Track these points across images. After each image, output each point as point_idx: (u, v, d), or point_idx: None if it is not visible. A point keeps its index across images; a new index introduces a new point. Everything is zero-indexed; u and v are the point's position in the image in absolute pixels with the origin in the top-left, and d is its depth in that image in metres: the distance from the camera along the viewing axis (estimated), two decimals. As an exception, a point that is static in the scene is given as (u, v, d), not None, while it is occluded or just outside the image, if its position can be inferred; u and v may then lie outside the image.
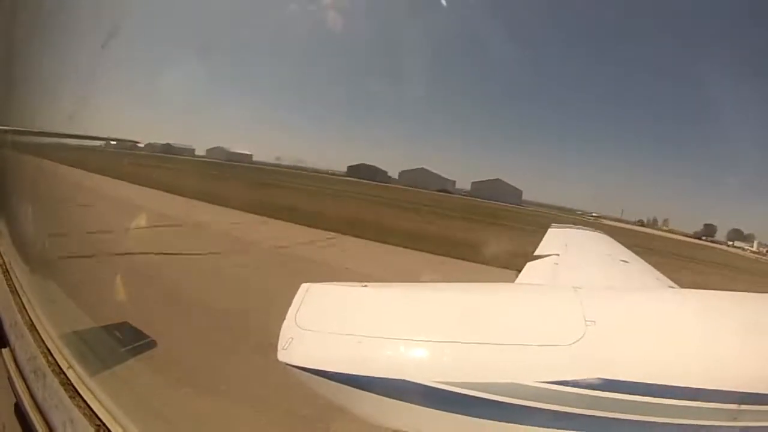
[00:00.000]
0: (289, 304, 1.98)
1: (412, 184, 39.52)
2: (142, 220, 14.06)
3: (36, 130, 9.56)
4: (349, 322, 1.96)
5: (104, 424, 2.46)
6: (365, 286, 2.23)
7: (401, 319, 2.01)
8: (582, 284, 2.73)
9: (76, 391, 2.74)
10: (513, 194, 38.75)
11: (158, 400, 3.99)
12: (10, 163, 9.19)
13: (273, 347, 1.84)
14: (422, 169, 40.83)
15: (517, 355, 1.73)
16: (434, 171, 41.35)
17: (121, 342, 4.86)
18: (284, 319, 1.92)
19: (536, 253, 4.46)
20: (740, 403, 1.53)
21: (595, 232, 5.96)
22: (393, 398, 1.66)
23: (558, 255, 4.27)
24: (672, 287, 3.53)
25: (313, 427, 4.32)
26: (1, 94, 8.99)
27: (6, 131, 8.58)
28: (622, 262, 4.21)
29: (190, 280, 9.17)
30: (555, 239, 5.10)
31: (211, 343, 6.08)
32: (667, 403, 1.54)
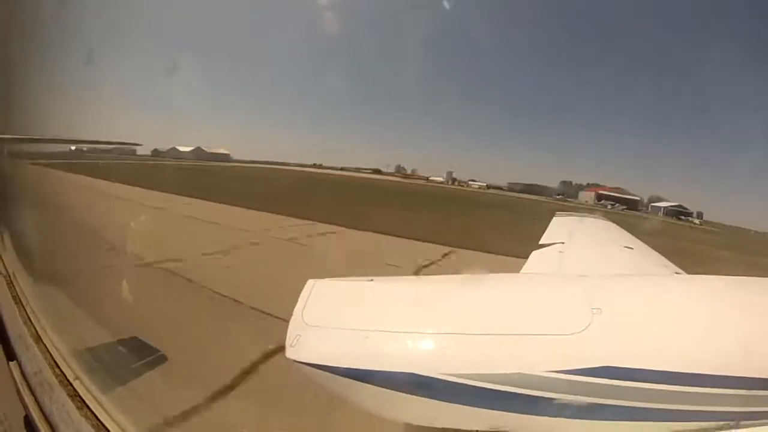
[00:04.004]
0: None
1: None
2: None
3: (36, 138, 9.53)
4: (356, 317, 1.96)
5: None
6: (371, 280, 2.23)
7: (408, 312, 2.00)
8: (587, 272, 2.70)
9: (84, 402, 2.74)
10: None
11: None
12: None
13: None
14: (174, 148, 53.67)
15: (524, 345, 1.72)
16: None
17: (129, 353, 4.88)
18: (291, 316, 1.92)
19: (541, 241, 4.43)
20: (751, 388, 1.52)
21: (601, 220, 5.92)
22: (402, 392, 1.65)
23: (563, 243, 4.24)
24: (678, 273, 3.50)
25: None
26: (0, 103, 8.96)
27: (6, 140, 8.56)
28: (627, 249, 4.17)
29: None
30: (559, 227, 5.07)
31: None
32: (675, 389, 1.52)
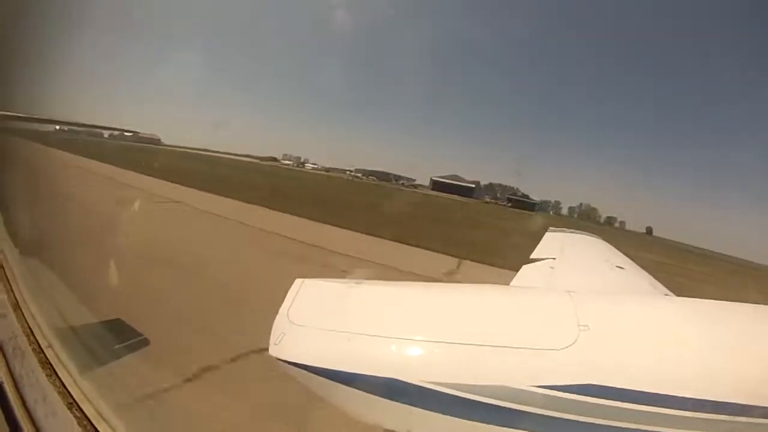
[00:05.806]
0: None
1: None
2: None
3: (25, 116, 9.58)
4: (342, 319, 1.94)
5: (76, 402, 2.44)
6: (359, 283, 2.22)
7: (394, 317, 1.99)
8: (577, 289, 2.69)
9: (53, 369, 2.73)
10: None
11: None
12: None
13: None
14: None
15: (509, 357, 1.70)
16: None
17: (103, 325, 4.90)
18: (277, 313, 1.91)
19: (532, 256, 4.44)
20: (734, 414, 1.50)
21: (592, 237, 5.92)
22: (383, 397, 1.63)
23: (554, 259, 4.24)
24: (667, 295, 3.49)
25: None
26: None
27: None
28: (617, 268, 4.17)
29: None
30: (552, 243, 5.08)
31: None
32: (659, 411, 1.50)
